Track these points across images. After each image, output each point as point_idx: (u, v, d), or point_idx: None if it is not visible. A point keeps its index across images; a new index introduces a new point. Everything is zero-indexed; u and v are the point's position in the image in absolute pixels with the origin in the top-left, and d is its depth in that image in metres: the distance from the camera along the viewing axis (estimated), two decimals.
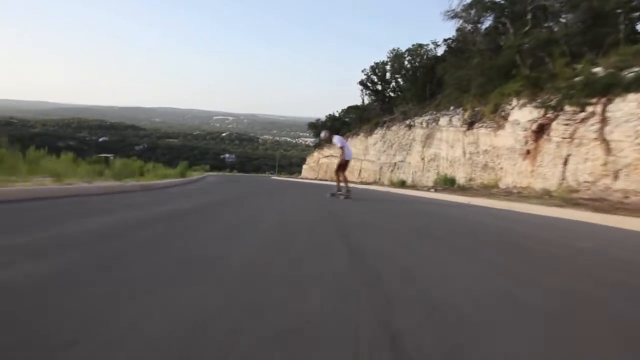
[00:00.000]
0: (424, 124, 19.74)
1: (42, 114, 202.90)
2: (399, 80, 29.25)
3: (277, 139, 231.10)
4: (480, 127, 15.12)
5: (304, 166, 47.85)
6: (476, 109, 15.73)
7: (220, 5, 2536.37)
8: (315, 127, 44.70)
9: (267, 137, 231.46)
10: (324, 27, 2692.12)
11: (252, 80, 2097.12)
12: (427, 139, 18.90)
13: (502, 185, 13.35)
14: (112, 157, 14.15)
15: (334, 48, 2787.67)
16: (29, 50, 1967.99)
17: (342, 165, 9.01)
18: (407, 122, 22.28)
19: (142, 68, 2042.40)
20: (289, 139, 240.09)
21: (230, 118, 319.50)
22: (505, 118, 14.05)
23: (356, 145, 29.87)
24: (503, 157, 13.68)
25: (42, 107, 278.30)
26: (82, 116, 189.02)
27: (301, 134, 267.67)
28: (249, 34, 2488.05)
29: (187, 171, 17.61)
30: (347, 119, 42.31)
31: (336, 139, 9.20)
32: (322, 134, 9.78)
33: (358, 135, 29.82)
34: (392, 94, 30.90)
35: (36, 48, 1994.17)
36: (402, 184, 15.55)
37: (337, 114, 43.04)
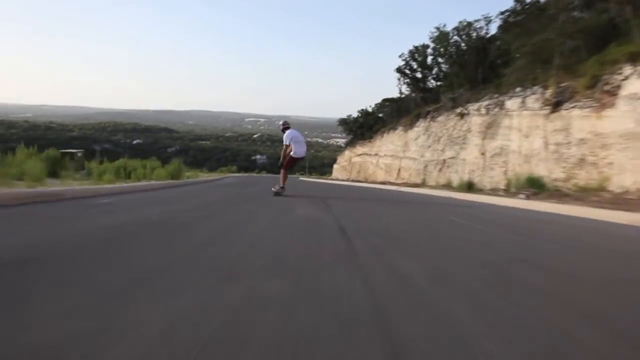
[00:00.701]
0: (483, 111, 15.64)
1: (81, 118, 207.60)
2: (443, 64, 25.08)
3: (309, 139, 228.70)
4: (572, 107, 10.97)
5: (335, 166, 44.15)
6: (562, 85, 11.60)
7: (252, 7, 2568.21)
8: (346, 123, 40.92)
9: None
10: (356, 22, 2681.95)
11: (284, 82, 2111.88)
12: (489, 129, 14.80)
13: (613, 187, 9.24)
14: (79, 154, 10.82)
15: (366, 44, 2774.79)
16: (68, 57, 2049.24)
17: (290, 163, 8.53)
18: (458, 110, 18.21)
19: (176, 72, 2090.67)
20: (320, 140, 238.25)
21: (262, 120, 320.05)
22: (612, 93, 9.91)
23: (394, 141, 25.92)
24: (614, 148, 9.54)
25: (81, 112, 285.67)
26: (118, 120, 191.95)
27: (332, 134, 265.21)
28: (282, 36, 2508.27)
29: (181, 171, 14.18)
30: (381, 114, 38.33)
31: (287, 134, 8.52)
32: (280, 124, 9.21)
33: (395, 129, 25.91)
34: (434, 81, 26.75)
35: (75, 55, 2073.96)
36: (469, 187, 11.17)
37: (370, 109, 39.18)
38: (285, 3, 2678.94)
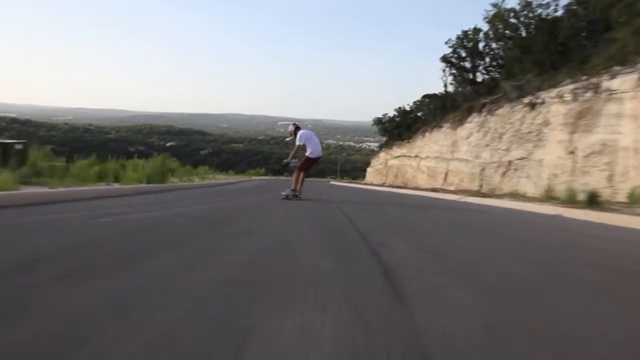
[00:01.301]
0: (567, 97, 11.80)
1: (118, 121, 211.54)
2: (499, 50, 21.16)
3: (341, 143, 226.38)
4: None
5: (369, 169, 40.55)
6: None
7: (289, 10, 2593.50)
8: (381, 123, 37.28)
9: (330, 141, 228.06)
10: (392, 25, 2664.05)
11: (317, 86, 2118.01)
12: (581, 119, 10.96)
13: None
14: (17, 146, 7.76)
15: (401, 47, 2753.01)
16: (107, 62, 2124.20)
17: (306, 164, 8.08)
18: (527, 99, 14.41)
19: (212, 76, 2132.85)
20: (352, 144, 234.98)
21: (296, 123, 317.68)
22: None
23: (439, 140, 22.17)
24: None
25: (118, 115, 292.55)
26: (153, 123, 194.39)
27: (365, 138, 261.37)
28: (316, 39, 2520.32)
29: (165, 174, 11.07)
30: (420, 112, 34.49)
31: (299, 134, 8.06)
32: (289, 128, 8.60)
33: (440, 127, 22.18)
34: (486, 71, 22.84)
35: (114, 59, 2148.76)
36: (591, 200, 6.74)
37: (407, 107, 35.42)
38: (323, 6, 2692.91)
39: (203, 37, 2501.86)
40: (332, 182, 41.17)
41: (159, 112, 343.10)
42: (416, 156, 26.07)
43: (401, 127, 33.92)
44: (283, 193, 7.76)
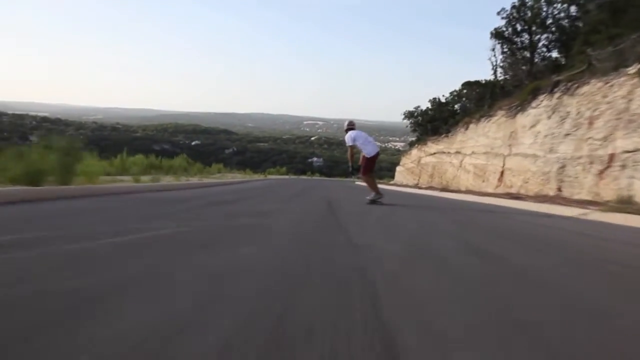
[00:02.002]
0: None
1: (145, 120, 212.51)
2: (562, 20, 16.68)
3: None
4: None
5: (398, 168, 36.18)
6: None
7: (315, 12, 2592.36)
8: (413, 116, 32.90)
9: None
10: (418, 25, 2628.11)
11: (342, 86, 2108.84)
12: None
13: None
14: None
15: (427, 48, 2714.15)
16: (137, 61, 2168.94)
17: (368, 165, 7.60)
18: (632, 68, 10.07)
19: (238, 75, 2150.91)
20: (378, 143, 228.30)
21: (320, 123, 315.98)
22: None
23: (489, 132, 17.83)
24: None
25: (146, 114, 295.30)
26: (180, 121, 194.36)
27: (390, 138, 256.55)
28: (342, 40, 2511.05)
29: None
30: (456, 106, 30.03)
31: (348, 135, 7.61)
32: (344, 126, 8.00)
33: (490, 117, 17.85)
34: (552, 46, 18.30)
35: (143, 59, 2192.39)
36: None
37: (443, 99, 31.01)
38: (351, 7, 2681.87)
39: (235, 38, 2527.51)
40: (357, 182, 37.12)
41: (186, 111, 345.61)
42: (457, 152, 21.72)
43: (436, 120, 29.56)
44: (367, 198, 7.63)
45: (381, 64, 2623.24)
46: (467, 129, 21.46)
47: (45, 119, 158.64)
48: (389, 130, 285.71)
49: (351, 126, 7.84)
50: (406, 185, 25.86)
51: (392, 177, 63.57)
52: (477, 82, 25.15)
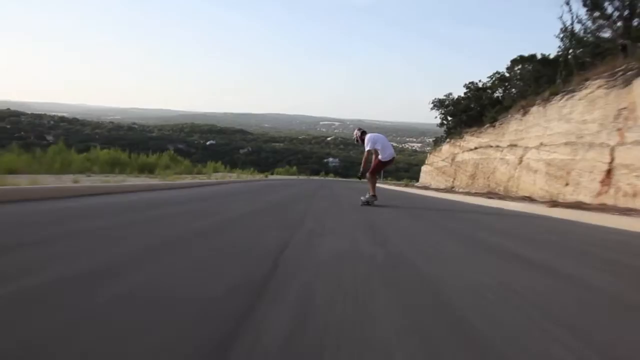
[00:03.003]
0: None
1: (162, 121, 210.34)
2: None
3: None
4: None
5: (424, 168, 30.33)
6: None
7: (330, 13, 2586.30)
8: (443, 105, 27.11)
9: None
10: (432, 27, 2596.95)
11: (358, 87, 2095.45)
12: None
13: None
14: None
15: (441, 49, 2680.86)
16: (156, 63, 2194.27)
17: (379, 167, 7.66)
18: None
19: (255, 77, 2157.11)
20: (394, 144, 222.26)
21: (337, 123, 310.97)
22: None
23: (573, 115, 12.09)
24: None
25: (164, 114, 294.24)
26: (196, 122, 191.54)
27: (407, 139, 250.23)
28: (358, 42, 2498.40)
29: None
30: (498, 91, 24.20)
31: (367, 138, 7.48)
32: (355, 132, 7.96)
33: (573, 93, 12.19)
34: None
35: (162, 61, 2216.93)
36: None
37: (480, 83, 25.20)
38: (367, 7, 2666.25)
39: (256, 40, 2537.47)
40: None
41: (204, 111, 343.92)
42: (513, 146, 15.98)
43: (472, 109, 23.80)
44: (362, 199, 7.31)
45: (398, 64, 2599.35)
46: (525, 114, 15.75)
47: (62, 119, 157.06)
48: (405, 131, 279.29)
49: (364, 131, 7.78)
50: (435, 189, 20.18)
51: (411, 178, 57.60)
52: (531, 58, 19.39)
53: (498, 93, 24.16)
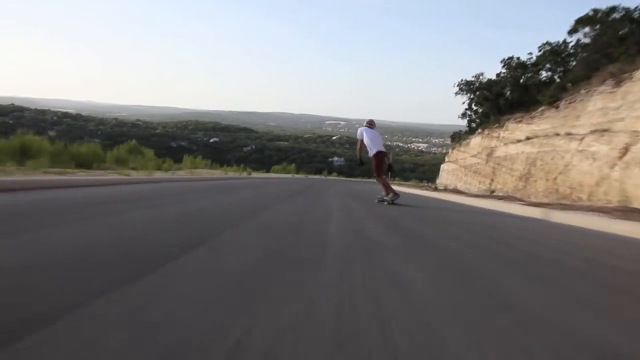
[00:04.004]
0: None
1: (168, 118, 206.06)
2: None
3: (389, 143, 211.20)
4: None
5: (445, 167, 24.57)
6: None
7: (338, 12, 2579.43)
8: (471, 89, 21.44)
9: None
10: (442, 25, 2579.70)
11: (364, 87, 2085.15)
12: None
13: None
14: None
15: (450, 49, 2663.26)
16: (164, 61, 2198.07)
17: (377, 166, 7.18)
18: None
19: (260, 75, 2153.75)
20: (400, 144, 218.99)
21: (342, 123, 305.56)
22: None
23: None
24: None
25: (170, 112, 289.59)
26: (200, 119, 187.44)
27: (413, 139, 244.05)
28: (364, 42, 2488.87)
29: None
30: (544, 70, 18.55)
31: (359, 131, 7.55)
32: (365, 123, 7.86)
33: None
34: None
35: (170, 58, 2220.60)
36: None
37: (524, 59, 19.51)
38: (373, 6, 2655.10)
39: (263, 39, 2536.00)
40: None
41: (209, 109, 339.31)
42: (602, 132, 10.36)
43: (515, 89, 18.14)
44: (385, 198, 7.17)
45: (405, 65, 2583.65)
46: (619, 84, 10.15)
47: (66, 115, 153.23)
48: (411, 131, 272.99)
49: (370, 125, 7.60)
50: (464, 193, 14.61)
51: (419, 178, 51.69)
52: (608, 14, 13.73)
53: (545, 70, 18.47)
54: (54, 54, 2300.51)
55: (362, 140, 7.37)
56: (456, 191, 15.34)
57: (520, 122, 15.39)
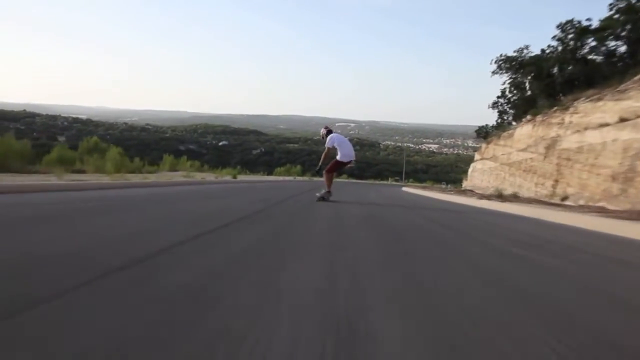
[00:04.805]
0: None
1: (178, 122, 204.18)
2: None
3: (399, 144, 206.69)
4: None
5: (477, 165, 19.80)
6: None
7: (347, 14, 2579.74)
8: (513, 65, 16.74)
9: (388, 143, 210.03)
10: (450, 28, 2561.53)
11: (374, 88, 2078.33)
12: None
13: None
14: None
15: (457, 50, 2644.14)
16: (174, 66, 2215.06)
17: (336, 166, 7.46)
18: None
19: (270, 78, 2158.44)
20: (411, 145, 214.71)
21: (352, 124, 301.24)
22: None
23: None
24: None
25: (180, 116, 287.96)
26: (210, 123, 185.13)
27: (424, 140, 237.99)
28: (373, 43, 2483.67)
29: None
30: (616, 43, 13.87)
31: (329, 138, 7.51)
32: (321, 131, 8.08)
33: None
34: None
35: (180, 63, 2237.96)
36: None
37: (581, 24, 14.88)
38: (382, 8, 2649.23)
39: (272, 42, 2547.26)
40: (404, 189, 21.56)
41: (219, 113, 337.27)
42: None
43: (573, 65, 13.51)
44: (317, 194, 7.26)
45: (414, 66, 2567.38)
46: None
47: (76, 120, 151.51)
48: (421, 132, 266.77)
49: (329, 130, 7.84)
50: (512, 199, 10.04)
51: (433, 179, 46.90)
52: None
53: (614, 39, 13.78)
54: (67, 61, 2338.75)
55: (330, 148, 7.38)
56: (505, 197, 10.76)
57: (599, 100, 10.75)
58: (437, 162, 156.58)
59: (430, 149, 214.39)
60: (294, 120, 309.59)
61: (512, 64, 16.41)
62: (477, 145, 24.66)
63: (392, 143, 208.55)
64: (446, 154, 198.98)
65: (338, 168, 7.45)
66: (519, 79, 16.51)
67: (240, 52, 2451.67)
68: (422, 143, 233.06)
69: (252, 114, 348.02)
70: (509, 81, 17.09)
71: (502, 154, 16.40)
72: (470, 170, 20.90)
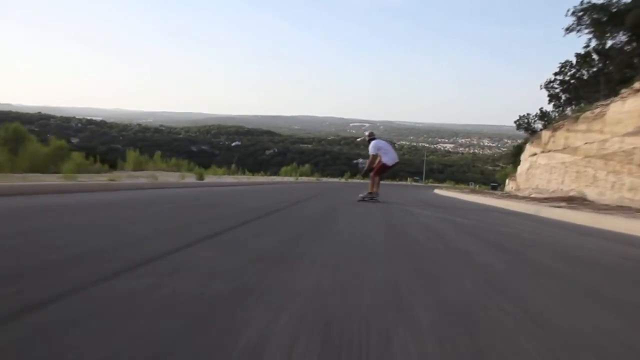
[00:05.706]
0: None
1: (192, 123, 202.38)
2: None
3: (414, 144, 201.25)
4: None
5: (538, 160, 14.74)
6: None
7: (361, 14, 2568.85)
8: (601, 14, 11.95)
9: (403, 142, 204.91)
10: (467, 28, 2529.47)
11: (388, 88, 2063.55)
12: None
13: None
14: None
15: (472, 50, 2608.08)
16: (188, 68, 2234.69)
17: (382, 170, 7.51)
18: None
19: (284, 78, 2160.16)
20: (426, 145, 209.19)
21: (367, 125, 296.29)
22: None
23: None
24: None
25: (193, 117, 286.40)
26: (224, 124, 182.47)
27: (439, 139, 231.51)
28: (388, 43, 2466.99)
29: None
30: None
31: (372, 144, 7.54)
32: (365, 134, 8.11)
33: None
34: None
35: (193, 64, 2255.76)
36: None
37: None
38: (394, 8, 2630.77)
39: (289, 44, 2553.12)
40: (436, 191, 16.86)
41: (233, 114, 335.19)
42: None
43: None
44: (360, 195, 7.33)
45: (428, 65, 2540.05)
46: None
47: (90, 122, 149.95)
48: (436, 132, 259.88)
49: (372, 137, 7.83)
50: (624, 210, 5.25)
51: (453, 180, 41.76)
52: None
53: None
54: (84, 64, 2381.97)
55: (375, 155, 7.47)
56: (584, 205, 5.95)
57: None
58: (452, 161, 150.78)
59: (446, 149, 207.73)
60: (308, 121, 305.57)
61: (597, 14, 11.44)
62: (528, 136, 19.52)
63: (407, 143, 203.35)
64: (462, 153, 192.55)
65: (384, 171, 7.59)
66: (610, 30, 11.48)
67: (256, 54, 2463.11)
68: (438, 143, 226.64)
69: (266, 114, 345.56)
70: (590, 37, 12.13)
71: (584, 144, 11.48)
72: (526, 166, 15.96)
